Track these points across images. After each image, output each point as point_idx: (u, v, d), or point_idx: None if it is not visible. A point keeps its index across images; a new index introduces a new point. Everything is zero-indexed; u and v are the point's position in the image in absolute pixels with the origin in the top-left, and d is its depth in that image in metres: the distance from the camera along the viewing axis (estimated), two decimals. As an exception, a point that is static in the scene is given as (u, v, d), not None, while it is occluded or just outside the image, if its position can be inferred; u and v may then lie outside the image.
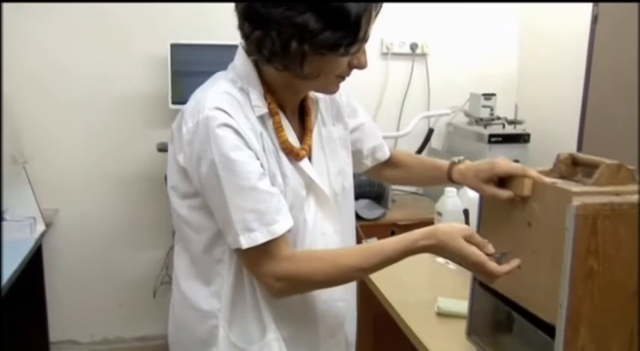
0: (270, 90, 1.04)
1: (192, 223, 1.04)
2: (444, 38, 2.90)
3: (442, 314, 1.39)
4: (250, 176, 0.96)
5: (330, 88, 1.07)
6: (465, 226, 1.00)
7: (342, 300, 1.15)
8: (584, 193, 0.93)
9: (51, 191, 2.54)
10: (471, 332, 1.23)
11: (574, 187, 0.96)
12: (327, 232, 1.11)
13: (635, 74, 2.10)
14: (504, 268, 0.97)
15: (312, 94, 1.13)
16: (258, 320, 1.06)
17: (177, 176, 1.03)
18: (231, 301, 1.05)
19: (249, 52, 1.04)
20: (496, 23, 2.94)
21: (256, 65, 1.04)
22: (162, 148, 2.45)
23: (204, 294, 1.07)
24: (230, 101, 0.99)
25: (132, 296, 2.77)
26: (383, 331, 1.75)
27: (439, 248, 0.98)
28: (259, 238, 0.96)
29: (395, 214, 2.51)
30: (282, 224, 0.98)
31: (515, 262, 0.99)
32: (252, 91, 1.02)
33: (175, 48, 2.46)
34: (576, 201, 0.90)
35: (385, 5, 0.99)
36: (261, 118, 1.02)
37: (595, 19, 2.34)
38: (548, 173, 1.07)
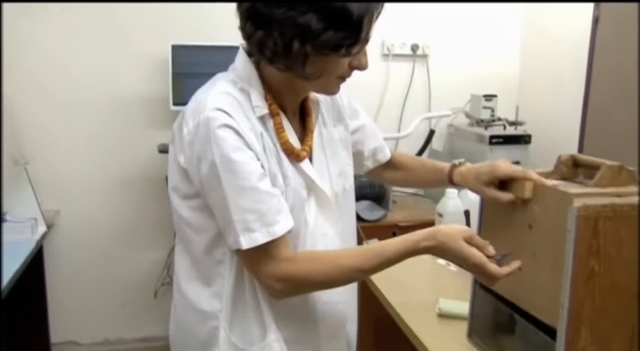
0: (270, 91, 1.05)
1: (193, 223, 1.04)
2: (445, 40, 2.90)
3: (443, 315, 1.38)
4: (251, 177, 0.96)
5: (331, 89, 1.07)
6: (466, 228, 1.00)
7: (342, 302, 1.15)
8: (585, 195, 0.93)
9: (52, 192, 2.55)
10: (472, 333, 1.23)
11: (575, 189, 0.96)
12: (327, 233, 1.11)
13: (636, 76, 2.10)
14: (505, 269, 0.97)
15: (313, 95, 1.14)
16: (259, 321, 1.06)
17: (178, 177, 1.03)
18: (232, 302, 1.05)
19: (250, 53, 1.04)
20: (497, 25, 2.94)
21: (257, 66, 1.05)
22: (164, 150, 2.45)
23: (205, 295, 1.07)
24: (230, 102, 0.99)
25: (133, 297, 2.77)
26: (384, 333, 1.75)
27: (440, 249, 0.98)
28: (260, 238, 0.96)
29: (396, 216, 2.51)
30: (282, 225, 0.98)
31: (515, 264, 0.99)
32: (252, 92, 1.03)
33: (176, 49, 2.47)
34: (577, 202, 0.90)
35: (386, 6, 0.99)
36: (262, 119, 1.03)
37: (596, 21, 2.34)
38: (549, 174, 1.08)
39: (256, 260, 0.98)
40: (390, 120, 2.89)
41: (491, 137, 2.55)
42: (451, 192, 1.77)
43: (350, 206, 1.21)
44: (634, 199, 0.94)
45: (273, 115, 1.04)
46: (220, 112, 0.96)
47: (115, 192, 2.68)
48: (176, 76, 2.47)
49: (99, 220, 2.68)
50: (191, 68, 2.44)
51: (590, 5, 2.36)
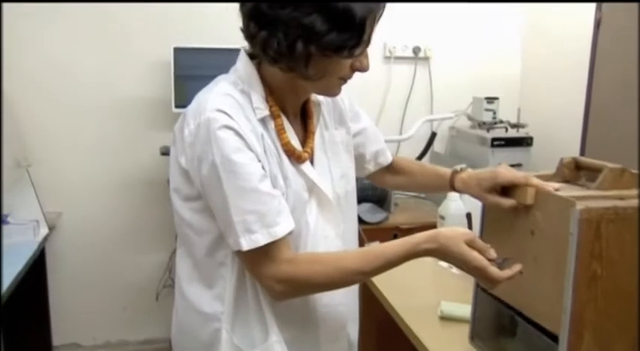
0: (271, 93, 1.05)
1: (195, 225, 1.04)
2: (447, 42, 2.90)
3: (445, 318, 1.38)
4: (251, 178, 0.96)
5: (332, 90, 1.07)
6: (467, 231, 1.00)
7: (343, 303, 1.15)
8: (587, 198, 0.93)
9: (54, 194, 2.55)
10: (474, 336, 1.23)
11: (577, 192, 0.96)
12: (328, 235, 1.10)
13: (638, 78, 2.10)
14: (506, 273, 0.97)
15: (314, 97, 1.14)
16: (261, 323, 1.06)
17: (179, 178, 1.03)
18: (233, 304, 1.05)
19: (252, 55, 1.04)
20: (499, 27, 2.94)
21: (258, 68, 1.05)
22: (165, 152, 2.45)
23: (206, 297, 1.07)
24: (231, 103, 0.99)
25: (135, 299, 2.77)
26: (386, 335, 1.74)
27: (440, 252, 0.98)
28: (260, 239, 0.96)
29: (397, 218, 2.51)
30: (283, 226, 0.97)
31: (516, 268, 0.98)
32: (253, 94, 1.03)
33: (178, 52, 2.47)
34: (580, 205, 0.90)
35: (388, 9, 0.99)
36: (263, 121, 1.03)
37: (598, 24, 2.34)
38: (551, 177, 1.07)
39: (257, 261, 0.98)
40: (392, 122, 2.89)
41: (493, 140, 2.55)
42: (453, 194, 1.77)
43: (352, 208, 1.21)
44: (636, 202, 0.93)
45: (274, 116, 1.04)
46: (221, 113, 0.96)
47: (117, 194, 2.68)
48: (178, 78, 2.47)
49: (101, 222, 2.68)
50: (193, 70, 2.44)
51: (592, 7, 2.36)
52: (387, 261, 0.99)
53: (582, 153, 2.39)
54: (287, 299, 1.03)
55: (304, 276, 0.99)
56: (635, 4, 2.12)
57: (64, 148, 2.60)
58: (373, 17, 0.95)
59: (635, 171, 1.00)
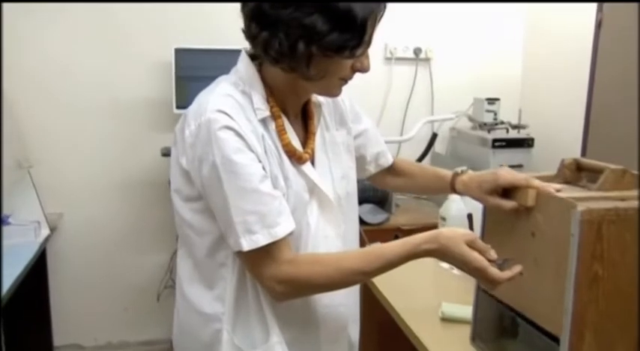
0: (272, 93, 1.05)
1: (196, 226, 1.04)
2: (448, 43, 2.90)
3: (446, 319, 1.38)
4: (252, 178, 0.96)
5: (333, 91, 1.07)
6: (468, 231, 1.00)
7: (343, 304, 1.15)
8: (588, 199, 0.93)
9: (55, 195, 2.55)
10: (475, 337, 1.23)
11: (578, 193, 0.96)
12: (329, 235, 1.11)
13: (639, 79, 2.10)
14: (506, 274, 0.97)
15: (315, 97, 1.14)
16: (262, 324, 1.06)
17: (180, 179, 1.04)
18: (234, 304, 1.05)
19: (253, 56, 1.04)
20: (500, 28, 2.94)
21: (259, 69, 1.05)
22: (167, 153, 2.45)
23: (207, 298, 1.07)
24: (232, 104, 0.99)
25: (136, 300, 2.77)
26: (387, 336, 1.74)
27: (441, 253, 0.98)
28: (260, 240, 0.96)
29: (399, 219, 2.51)
30: (283, 227, 0.97)
31: (517, 269, 0.98)
32: (254, 95, 1.03)
33: (180, 53, 2.47)
34: (581, 206, 0.90)
35: (389, 10, 0.99)
36: (263, 121, 1.03)
37: (599, 25, 2.34)
38: (552, 178, 1.07)
39: (257, 262, 0.98)
40: (393, 123, 2.89)
41: (494, 141, 2.55)
42: (454, 195, 1.77)
43: (353, 209, 1.21)
44: (637, 203, 0.93)
45: (275, 117, 1.04)
46: (221, 113, 0.96)
47: (118, 195, 2.68)
48: (179, 79, 2.47)
49: (102, 223, 2.68)
50: (194, 71, 2.45)
51: (593, 7, 2.36)
52: (388, 261, 0.99)
53: (583, 154, 2.39)
54: (288, 300, 1.03)
55: (305, 276, 0.99)
56: (635, 5, 2.12)
57: (65, 148, 2.60)
58: (374, 18, 0.96)
59: (636, 172, 1.00)
